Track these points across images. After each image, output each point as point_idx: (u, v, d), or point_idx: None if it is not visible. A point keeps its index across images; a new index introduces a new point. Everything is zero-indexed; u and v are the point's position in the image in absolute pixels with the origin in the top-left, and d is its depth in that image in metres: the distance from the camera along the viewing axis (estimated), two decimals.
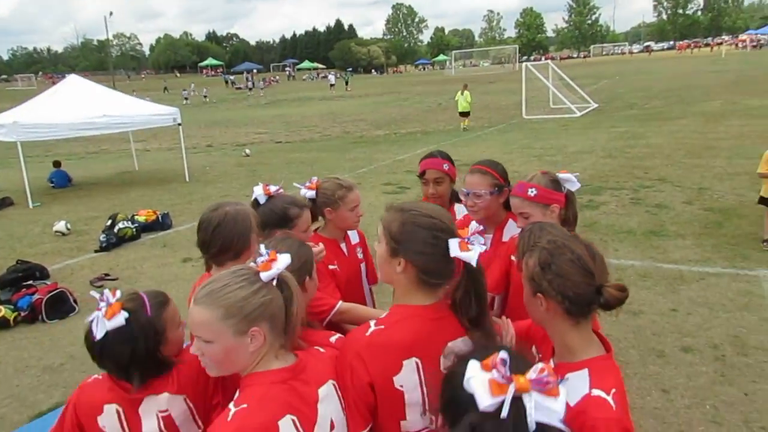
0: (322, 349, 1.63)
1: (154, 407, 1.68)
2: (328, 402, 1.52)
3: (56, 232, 8.53)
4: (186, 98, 43.69)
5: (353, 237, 2.96)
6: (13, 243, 8.37)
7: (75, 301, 5.85)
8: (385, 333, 1.58)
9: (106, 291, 1.66)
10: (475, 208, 2.69)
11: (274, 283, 1.46)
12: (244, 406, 1.38)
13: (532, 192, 2.35)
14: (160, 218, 8.78)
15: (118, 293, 1.68)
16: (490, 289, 2.61)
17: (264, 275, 1.43)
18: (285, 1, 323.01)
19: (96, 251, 7.74)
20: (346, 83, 53.66)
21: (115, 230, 7.97)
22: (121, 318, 1.58)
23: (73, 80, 12.25)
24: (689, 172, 10.33)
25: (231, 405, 1.40)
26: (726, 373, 4.06)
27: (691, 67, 46.61)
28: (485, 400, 1.03)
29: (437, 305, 1.64)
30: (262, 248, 1.53)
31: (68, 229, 8.60)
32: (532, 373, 1.05)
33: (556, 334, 1.60)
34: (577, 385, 1.47)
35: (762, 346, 4.35)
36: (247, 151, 16.59)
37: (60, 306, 5.70)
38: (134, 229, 8.17)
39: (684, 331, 4.70)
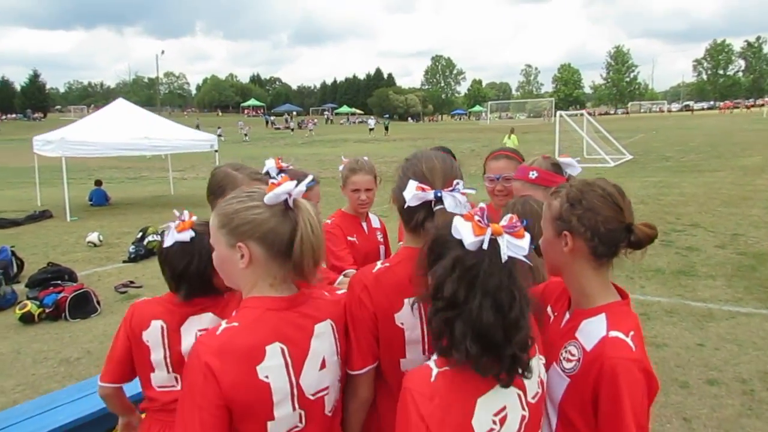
0: (326, 294, 1.64)
1: (196, 326, 1.84)
2: (323, 340, 1.51)
3: (89, 242, 8.79)
4: (220, 135, 44.24)
5: (375, 221, 3.09)
6: (48, 250, 8.64)
7: (98, 303, 5.98)
8: (390, 270, 1.61)
9: (185, 211, 1.89)
10: (503, 192, 2.68)
11: (282, 206, 1.43)
12: (235, 324, 1.40)
13: (533, 174, 2.38)
14: None
15: (194, 217, 1.88)
16: None
17: (266, 196, 1.43)
18: (329, 49, 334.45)
19: (124, 261, 7.92)
20: (386, 128, 53.86)
21: (145, 242, 8.16)
22: (187, 235, 1.81)
23: (120, 104, 12.84)
24: (723, 220, 10.08)
25: (223, 322, 1.42)
26: (753, 407, 3.86)
27: (731, 124, 46.05)
28: (469, 238, 1.26)
29: None
30: (274, 170, 1.57)
31: (100, 240, 8.85)
32: (504, 222, 1.28)
33: (574, 278, 1.54)
34: (594, 329, 1.45)
35: None
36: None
37: (83, 306, 5.82)
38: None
39: (710, 365, 4.51)
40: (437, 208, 1.57)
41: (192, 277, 1.80)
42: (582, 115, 25.66)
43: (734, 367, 4.45)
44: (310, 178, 1.57)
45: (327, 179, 20.01)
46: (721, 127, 43.08)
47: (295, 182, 1.45)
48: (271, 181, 1.48)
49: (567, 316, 1.59)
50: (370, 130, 53.89)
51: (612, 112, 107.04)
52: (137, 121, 12.10)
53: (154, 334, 1.82)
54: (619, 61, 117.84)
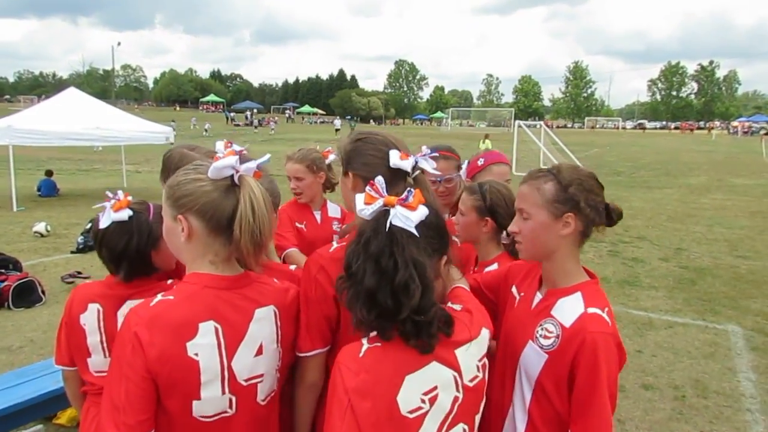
0: (276, 281, 1.61)
1: None
2: (263, 325, 1.49)
3: (35, 232, 8.50)
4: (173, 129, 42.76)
5: (333, 210, 3.11)
6: None
7: (43, 292, 5.81)
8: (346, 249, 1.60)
9: (119, 191, 1.84)
10: (446, 193, 2.75)
11: (228, 182, 1.40)
12: (170, 297, 1.39)
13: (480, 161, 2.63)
14: None
15: (130, 197, 1.84)
16: None
17: (209, 169, 1.39)
18: (292, 48, 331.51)
19: (72, 252, 7.70)
20: (352, 129, 53.53)
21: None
22: (125, 214, 1.77)
23: (71, 93, 12.43)
24: (669, 234, 10.51)
25: (159, 294, 1.41)
26: (684, 412, 4.07)
27: (681, 144, 47.91)
28: (360, 206, 1.35)
29: None
30: (220, 145, 1.58)
31: (48, 230, 8.58)
32: (403, 195, 1.34)
33: (561, 260, 1.61)
34: (571, 307, 1.55)
35: (723, 392, 4.38)
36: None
37: (28, 295, 5.66)
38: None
39: (647, 371, 4.73)
40: (415, 174, 1.62)
41: (132, 256, 1.77)
42: (540, 126, 26.24)
43: (669, 374, 4.67)
44: (266, 157, 1.57)
45: (283, 176, 19.81)
46: (672, 146, 44.78)
47: (237, 158, 1.42)
48: (217, 155, 1.47)
49: (538, 296, 1.67)
50: (336, 130, 53.00)
51: (569, 125, 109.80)
52: (89, 111, 11.74)
53: (90, 317, 1.79)
54: (578, 76, 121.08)
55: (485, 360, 1.45)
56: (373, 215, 1.34)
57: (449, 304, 1.48)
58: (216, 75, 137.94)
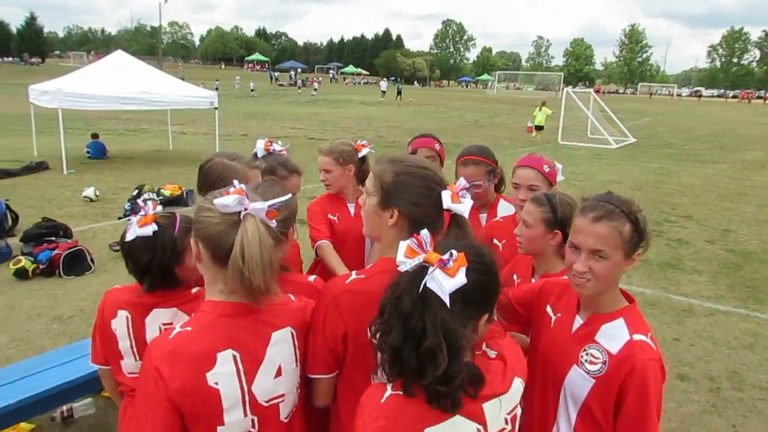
0: (293, 297, 1.64)
1: (160, 318, 1.86)
2: (281, 348, 1.52)
3: (85, 197, 8.82)
4: (216, 89, 42.22)
5: None
6: (43, 204, 8.68)
7: (92, 261, 6.05)
8: (365, 282, 1.58)
9: (149, 202, 1.87)
10: (476, 199, 2.76)
11: (235, 217, 1.42)
12: (188, 329, 1.43)
13: (546, 168, 2.45)
14: (184, 194, 9.01)
15: (159, 207, 1.87)
16: None
17: (217, 201, 1.42)
18: (337, 6, 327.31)
19: (119, 218, 7.99)
20: (399, 93, 49.93)
21: (140, 201, 8.19)
22: (149, 229, 1.80)
23: (118, 56, 12.66)
24: (717, 214, 10.14)
25: (178, 325, 1.46)
26: (718, 404, 4.01)
27: (738, 115, 45.67)
28: (400, 257, 1.31)
29: None
30: (235, 182, 1.58)
31: (96, 195, 8.89)
32: (445, 255, 1.26)
33: (609, 290, 1.66)
34: (616, 333, 1.61)
35: (759, 384, 4.28)
36: (279, 143, 16.82)
37: (78, 263, 5.90)
38: (158, 202, 8.38)
39: (683, 360, 4.65)
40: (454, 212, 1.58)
41: (155, 270, 1.82)
42: (589, 93, 25.37)
43: (705, 365, 4.59)
44: (286, 197, 1.56)
45: (327, 141, 19.84)
46: (728, 117, 42.75)
47: (244, 197, 1.42)
48: (229, 188, 1.46)
49: (578, 320, 1.71)
50: (383, 92, 51.21)
51: (621, 91, 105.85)
52: (136, 75, 11.95)
53: (120, 323, 1.87)
54: (633, 40, 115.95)
55: (516, 411, 1.42)
56: (412, 270, 1.29)
57: (484, 348, 1.43)
58: (261, 33, 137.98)
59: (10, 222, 7.13)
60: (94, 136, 13.20)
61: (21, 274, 5.68)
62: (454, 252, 1.27)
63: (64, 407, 3.48)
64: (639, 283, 6.41)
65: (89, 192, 8.84)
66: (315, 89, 53.67)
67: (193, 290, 1.91)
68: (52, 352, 3.46)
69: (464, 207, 1.56)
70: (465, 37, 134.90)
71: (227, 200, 1.40)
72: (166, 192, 8.82)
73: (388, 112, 35.29)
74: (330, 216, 3.00)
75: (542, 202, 2.09)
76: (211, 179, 2.17)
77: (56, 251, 5.86)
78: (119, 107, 11.73)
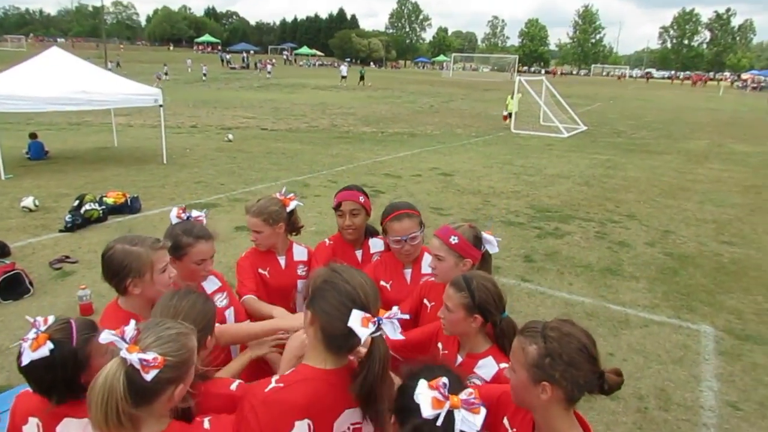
0: (207, 425, 1.64)
1: (71, 428, 1.78)
2: None
3: (23, 207, 8.48)
4: (166, 74, 39.77)
5: (299, 254, 3.15)
6: None
7: (30, 283, 5.86)
8: (282, 392, 1.62)
9: (39, 318, 1.77)
10: (411, 251, 2.83)
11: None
12: None
13: (453, 240, 2.45)
14: (129, 201, 8.77)
15: (51, 319, 1.77)
16: (404, 310, 2.78)
17: (101, 336, 1.51)
18: None
19: (60, 231, 7.73)
20: (362, 77, 48.25)
21: (82, 211, 7.95)
22: (45, 350, 1.69)
23: (54, 52, 12.05)
24: (659, 212, 10.53)
25: None
26: (644, 426, 4.21)
27: (687, 100, 47.16)
28: (427, 411, 1.40)
29: (339, 370, 1.69)
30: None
31: (36, 205, 8.56)
32: (463, 395, 1.42)
33: (545, 418, 1.65)
34: None
35: (684, 403, 4.51)
36: (230, 136, 16.53)
37: (15, 287, 5.71)
38: (101, 211, 8.16)
39: None
40: (376, 335, 1.61)
41: (59, 387, 1.75)
42: (541, 80, 25.73)
43: (636, 382, 4.80)
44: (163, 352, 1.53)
45: (279, 131, 19.71)
46: (677, 102, 44.10)
47: (122, 341, 1.48)
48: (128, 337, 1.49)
49: None
50: (343, 77, 49.07)
51: (575, 72, 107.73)
52: (74, 73, 11.40)
53: (31, 430, 1.81)
54: (587, 21, 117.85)
55: None
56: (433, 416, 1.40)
57: None
58: (211, 13, 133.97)
59: None
60: (33, 136, 12.63)
61: None
62: (474, 393, 1.40)
63: None
64: (580, 291, 6.64)
65: (28, 202, 8.51)
66: (269, 72, 52.58)
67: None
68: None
69: (365, 332, 1.58)
70: (421, 17, 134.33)
71: (105, 337, 1.45)
72: (109, 200, 8.57)
73: (343, 98, 35.02)
74: (260, 270, 2.99)
75: (461, 287, 2.12)
76: (114, 268, 2.13)
77: None
78: (58, 108, 11.24)
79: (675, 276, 7.31)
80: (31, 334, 1.72)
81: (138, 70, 43.18)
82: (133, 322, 1.49)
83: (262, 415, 1.58)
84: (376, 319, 1.61)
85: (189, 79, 44.40)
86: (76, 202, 8.12)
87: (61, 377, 1.72)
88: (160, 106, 12.40)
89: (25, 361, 1.69)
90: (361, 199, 3.04)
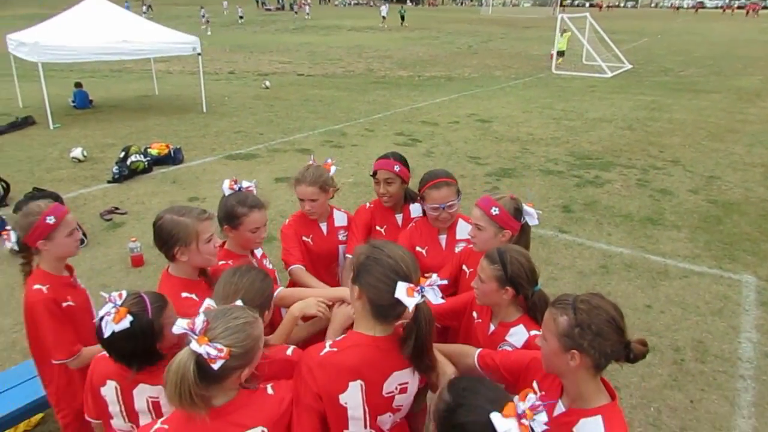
0: (270, 390, 1.78)
1: (146, 393, 2.00)
2: None
3: (73, 158, 8.82)
4: (208, 21, 38.73)
5: (339, 219, 3.24)
6: (32, 166, 8.69)
7: (84, 234, 6.16)
8: (336, 355, 1.79)
9: (114, 294, 1.94)
10: (448, 218, 2.89)
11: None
12: (165, 426, 1.65)
13: (494, 210, 2.49)
14: (172, 152, 9.00)
15: (124, 294, 1.94)
16: (443, 276, 2.88)
17: (176, 324, 1.60)
18: None
19: (108, 182, 8.03)
20: (402, 18, 46.95)
21: (128, 163, 8.22)
22: (126, 322, 1.86)
23: (92, 2, 12.17)
24: (705, 157, 10.21)
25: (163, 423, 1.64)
26: (679, 378, 4.27)
27: (740, 32, 44.43)
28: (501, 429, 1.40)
29: (387, 337, 1.85)
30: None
31: (84, 156, 8.88)
32: (528, 403, 1.42)
33: (573, 383, 1.76)
34: (593, 431, 1.70)
35: (721, 355, 4.54)
36: (267, 83, 16.55)
37: None
38: (146, 163, 8.42)
39: (653, 329, 4.89)
40: (420, 301, 1.75)
41: (140, 355, 1.92)
42: (585, 17, 24.59)
43: (673, 333, 4.83)
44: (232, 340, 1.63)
45: (316, 77, 19.56)
46: (729, 35, 41.61)
47: (192, 332, 1.58)
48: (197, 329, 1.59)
49: (560, 406, 1.83)
50: (383, 18, 47.32)
51: (622, 5, 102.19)
52: (114, 22, 11.54)
53: (109, 391, 2.01)
54: None
55: None
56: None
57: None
58: None
59: (1, 191, 7.18)
60: (78, 85, 12.95)
61: None
62: (531, 394, 1.44)
63: None
64: (618, 242, 6.59)
65: (77, 153, 8.83)
66: (307, 14, 51.54)
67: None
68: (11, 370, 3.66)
69: (412, 301, 1.72)
70: None
71: (178, 328, 1.58)
72: (153, 151, 8.81)
73: (380, 39, 34.30)
74: (304, 238, 3.09)
75: (494, 260, 2.19)
76: (163, 237, 2.28)
77: None
78: (100, 58, 11.45)
79: (718, 224, 7.16)
80: (109, 309, 1.87)
81: (174, 14, 43.10)
82: (202, 316, 1.61)
83: (319, 376, 1.76)
84: (419, 287, 1.75)
85: (225, 21, 44.10)
86: (122, 154, 8.39)
87: (141, 346, 1.90)
88: (198, 54, 12.45)
89: (107, 333, 1.86)
90: (397, 168, 3.07)
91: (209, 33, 35.77)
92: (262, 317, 1.89)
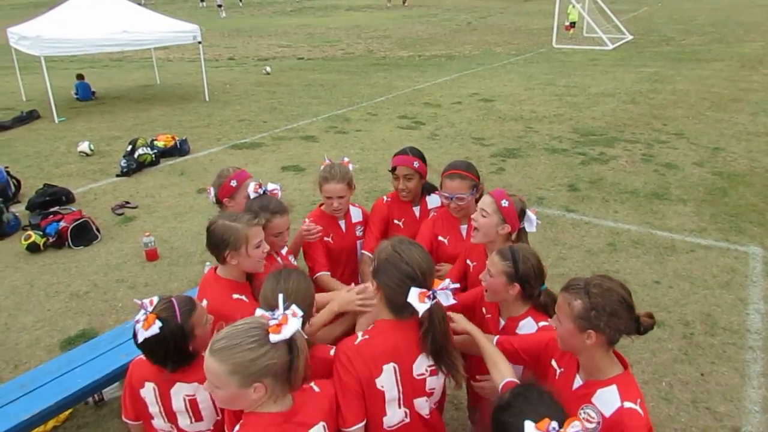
0: (316, 388, 1.88)
1: (183, 391, 2.11)
2: None
3: (80, 152, 8.88)
4: (220, 5, 38.19)
5: (356, 215, 3.32)
6: (41, 162, 8.76)
7: (98, 230, 6.26)
8: (369, 343, 1.96)
9: (146, 300, 2.04)
10: (457, 210, 2.96)
11: (286, 342, 1.65)
12: None
13: (504, 203, 2.59)
14: (178, 144, 9.05)
15: (155, 300, 2.05)
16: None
17: (273, 338, 1.62)
18: None
19: (117, 175, 8.10)
20: None
21: (136, 155, 8.28)
22: (155, 328, 1.96)
23: None
24: (709, 128, 10.21)
25: None
26: (690, 351, 4.36)
27: None
28: None
29: (409, 323, 1.99)
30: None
31: (91, 150, 8.94)
32: (571, 428, 1.50)
33: (589, 359, 1.89)
34: (609, 399, 1.83)
35: (730, 327, 4.63)
36: (268, 69, 16.50)
37: (84, 234, 6.11)
38: (153, 155, 8.48)
39: (661, 305, 4.98)
40: (432, 303, 1.89)
41: (173, 356, 2.03)
42: None
43: (682, 308, 4.91)
44: (299, 316, 1.71)
45: (316, 60, 19.47)
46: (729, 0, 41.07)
47: (296, 322, 1.66)
48: (271, 321, 1.66)
49: (578, 380, 1.96)
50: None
51: None
52: (114, 13, 11.50)
53: (148, 393, 2.12)
54: None
55: None
56: None
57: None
58: None
59: (13, 188, 7.26)
60: (80, 76, 12.96)
61: (33, 249, 5.92)
62: (577, 421, 1.55)
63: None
64: (625, 219, 6.65)
65: (84, 147, 8.88)
66: None
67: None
68: (75, 351, 3.74)
69: (422, 306, 1.86)
70: None
71: (287, 332, 1.65)
72: (160, 143, 8.86)
73: (377, 19, 34.02)
74: (325, 238, 3.14)
75: (506, 257, 2.28)
76: (215, 241, 2.41)
77: (63, 223, 6.05)
78: (101, 50, 11.48)
79: (724, 197, 7.21)
80: (141, 315, 1.99)
81: None
82: (279, 302, 1.72)
83: (357, 363, 1.92)
84: (431, 292, 1.90)
85: (225, 4, 43.65)
86: (129, 147, 8.45)
87: (173, 348, 2.01)
88: (199, 42, 12.43)
89: (140, 339, 1.97)
90: (416, 164, 3.13)
91: (223, 15, 35.50)
92: (310, 315, 2.02)
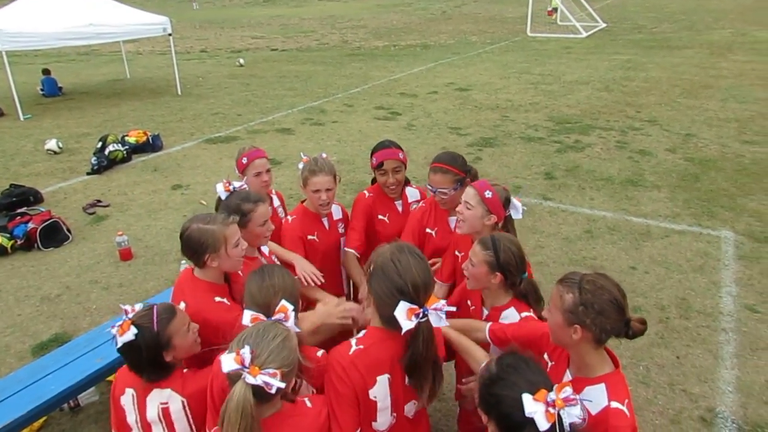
0: (309, 403, 1.84)
1: (158, 398, 2.06)
2: None
3: (48, 150, 8.64)
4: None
5: (336, 213, 3.26)
6: (7, 161, 8.50)
7: (69, 230, 6.09)
8: (364, 353, 1.89)
9: (127, 307, 2.02)
10: (444, 202, 2.95)
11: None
12: None
13: (487, 194, 2.57)
14: (150, 140, 8.86)
15: (137, 306, 2.04)
16: (443, 279, 2.92)
17: (222, 359, 1.62)
18: None
19: (88, 173, 7.91)
20: None
21: (106, 152, 8.09)
22: (130, 334, 1.94)
23: None
24: (681, 114, 10.35)
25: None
26: (665, 335, 4.43)
27: None
28: (544, 426, 1.47)
29: (400, 332, 1.90)
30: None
31: (60, 147, 8.70)
32: (563, 395, 1.50)
33: (577, 354, 1.88)
34: (596, 397, 1.81)
35: (704, 311, 4.70)
36: (241, 60, 16.28)
37: (54, 235, 5.94)
38: (124, 152, 8.30)
39: (638, 290, 5.04)
40: (421, 321, 1.81)
41: (146, 365, 2.00)
42: None
43: (657, 293, 4.98)
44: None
45: (290, 51, 19.27)
46: None
47: (242, 367, 1.58)
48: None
49: (568, 375, 1.95)
50: None
51: None
52: (79, 5, 11.15)
53: (127, 400, 2.08)
54: None
55: None
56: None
57: None
58: None
59: None
60: (46, 71, 12.61)
61: (0, 252, 5.75)
62: (568, 388, 1.53)
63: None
64: (601, 206, 6.71)
65: (52, 144, 8.65)
66: None
67: (184, 371, 2.10)
68: (48, 356, 3.64)
69: (408, 324, 1.78)
70: None
71: (228, 364, 1.58)
72: (131, 139, 8.67)
73: (352, 8, 33.77)
74: (309, 237, 3.05)
75: (487, 246, 2.26)
76: (193, 246, 2.31)
77: (31, 225, 5.87)
78: (66, 44, 11.15)
79: (696, 182, 7.32)
80: (119, 321, 1.96)
81: None
82: (247, 347, 1.61)
83: (352, 374, 1.86)
84: (421, 309, 1.81)
85: None
86: (100, 144, 8.25)
87: (146, 357, 1.97)
88: (170, 35, 12.18)
89: (118, 344, 1.96)
90: (401, 155, 3.09)
91: (196, 7, 34.86)
92: (298, 309, 1.97)
